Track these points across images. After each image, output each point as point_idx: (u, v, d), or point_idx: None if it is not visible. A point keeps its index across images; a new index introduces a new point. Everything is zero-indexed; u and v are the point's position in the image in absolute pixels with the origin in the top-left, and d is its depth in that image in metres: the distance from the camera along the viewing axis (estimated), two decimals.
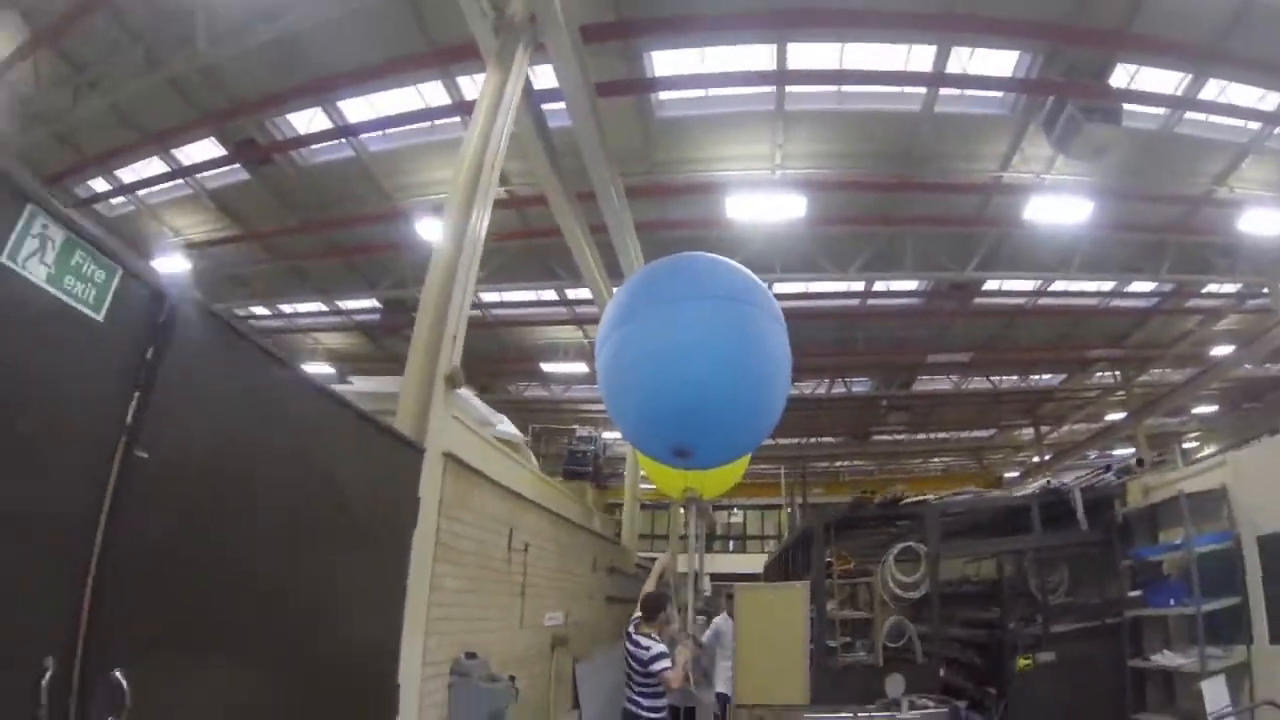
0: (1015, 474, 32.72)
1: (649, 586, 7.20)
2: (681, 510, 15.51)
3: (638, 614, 6.84)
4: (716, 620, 10.84)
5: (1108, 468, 9.43)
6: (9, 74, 10.91)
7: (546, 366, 20.48)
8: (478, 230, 6.20)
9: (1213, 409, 27.25)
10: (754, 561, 25.84)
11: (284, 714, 3.38)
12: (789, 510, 33.09)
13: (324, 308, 19.03)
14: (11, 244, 2.07)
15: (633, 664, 6.66)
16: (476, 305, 16.29)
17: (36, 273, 2.15)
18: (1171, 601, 7.40)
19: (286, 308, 18.96)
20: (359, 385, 8.38)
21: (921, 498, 10.49)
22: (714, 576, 26.13)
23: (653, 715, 6.66)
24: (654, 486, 11.83)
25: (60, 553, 2.26)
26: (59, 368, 2.25)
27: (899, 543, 10.14)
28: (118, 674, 2.34)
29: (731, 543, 36.37)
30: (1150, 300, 17.95)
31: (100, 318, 2.36)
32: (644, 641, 6.60)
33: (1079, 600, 9.21)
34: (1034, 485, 10.44)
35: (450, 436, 5.49)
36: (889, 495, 10.60)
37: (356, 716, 4.13)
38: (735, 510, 36.56)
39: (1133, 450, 25.08)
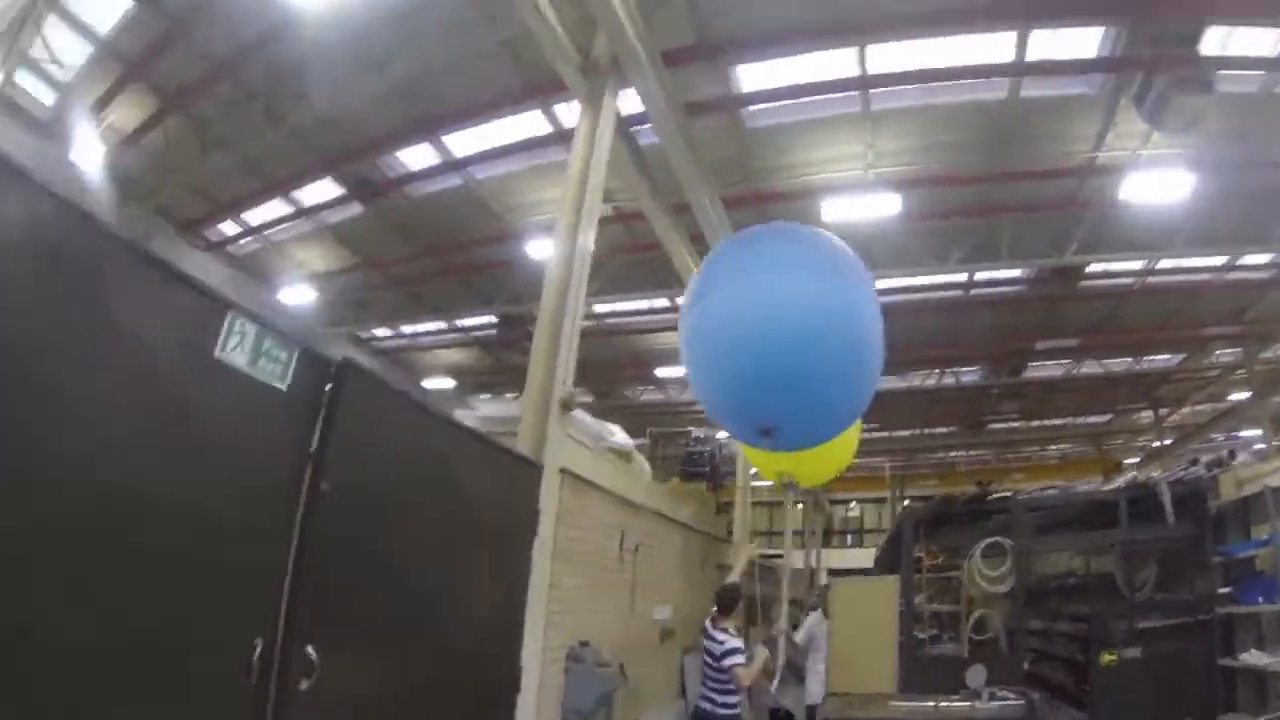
0: (1136, 459, 31.42)
1: (732, 577, 7.33)
2: (796, 504, 15.99)
3: (714, 608, 7.06)
4: (809, 619, 10.34)
5: (1195, 460, 9.56)
6: (144, 139, 12.38)
7: (660, 371, 21.21)
8: (584, 258, 6.90)
9: None
10: (869, 556, 25.53)
11: (430, 686, 4.17)
12: (893, 504, 33.20)
13: (443, 325, 20.14)
14: (220, 342, 2.83)
15: (707, 658, 6.85)
16: (591, 316, 17.13)
17: (238, 360, 2.92)
18: (1261, 599, 7.56)
19: (408, 328, 20.11)
20: (484, 410, 9.20)
21: (1007, 493, 10.77)
22: (831, 571, 26.36)
23: (725, 712, 6.78)
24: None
25: (267, 559, 3.06)
26: (261, 428, 3.06)
27: (986, 538, 10.47)
28: (309, 649, 3.13)
29: (849, 537, 36.55)
30: (1270, 271, 17.13)
31: (284, 388, 3.13)
32: (719, 635, 6.77)
33: (1168, 596, 9.32)
34: (1123, 479, 10.65)
35: (566, 453, 6.20)
36: (975, 491, 10.91)
37: (488, 692, 4.93)
38: (852, 504, 36.79)
39: (1259, 431, 24.32)
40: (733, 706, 6.80)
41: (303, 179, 13.99)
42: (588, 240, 7.03)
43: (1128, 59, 10.83)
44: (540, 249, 14.26)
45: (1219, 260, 16.46)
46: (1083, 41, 10.82)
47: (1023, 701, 7.25)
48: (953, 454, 33.72)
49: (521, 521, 5.38)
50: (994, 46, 10.73)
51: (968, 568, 10.49)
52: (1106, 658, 8.34)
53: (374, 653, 3.70)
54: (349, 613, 3.49)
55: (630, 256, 15.03)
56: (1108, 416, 29.77)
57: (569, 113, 11.52)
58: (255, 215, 15.41)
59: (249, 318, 2.95)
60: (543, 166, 13.26)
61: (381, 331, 20.24)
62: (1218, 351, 22.30)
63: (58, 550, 2.22)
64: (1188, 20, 10.19)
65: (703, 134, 10.97)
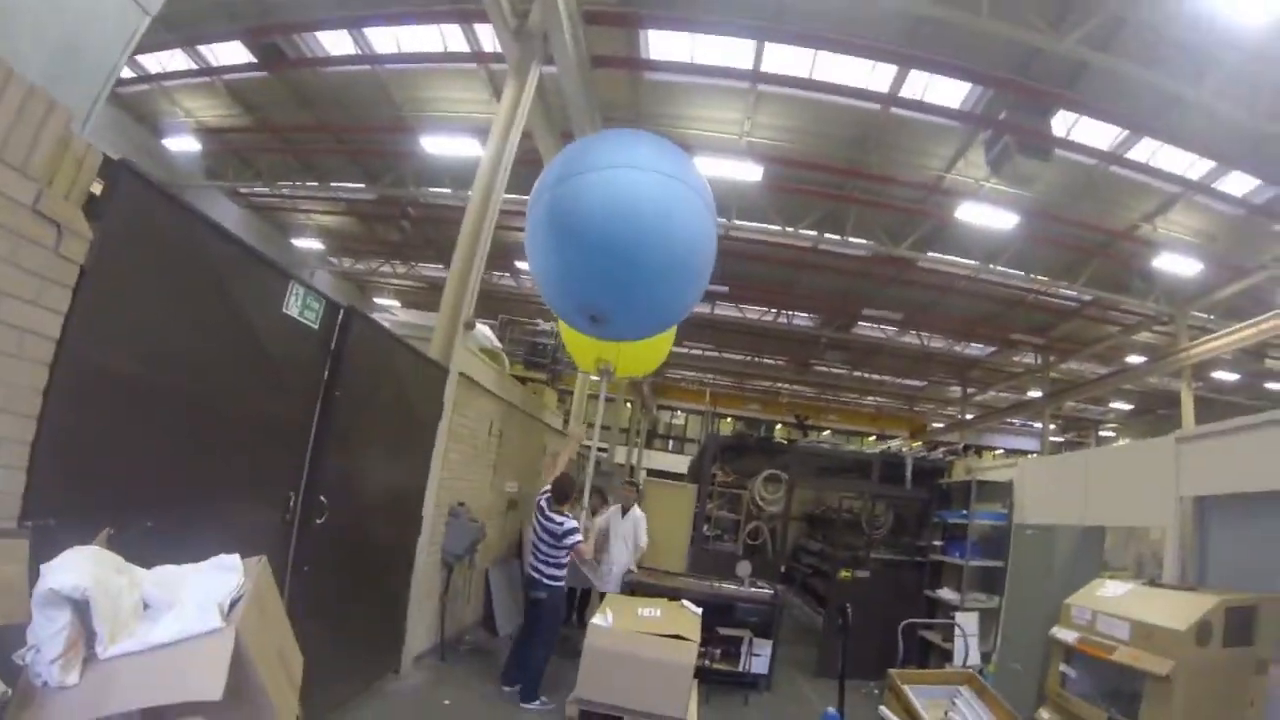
0: (941, 425, 35.96)
1: (560, 467, 8.27)
2: (626, 402, 17.63)
3: (547, 492, 8.03)
4: (609, 512, 11.11)
5: (936, 446, 12.82)
6: None
7: (519, 263, 22.62)
8: (496, 208, 8.74)
9: (1129, 407, 30.67)
10: (687, 461, 27.71)
11: (377, 522, 6.36)
12: (714, 419, 36.16)
13: (316, 185, 20.27)
14: (285, 301, 4.63)
15: (544, 536, 7.84)
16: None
17: (294, 311, 4.73)
18: (958, 555, 10.45)
19: (286, 189, 20.47)
20: (402, 317, 10.87)
21: (791, 440, 14.13)
22: (650, 470, 28.98)
23: (553, 584, 7.84)
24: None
25: (296, 440, 4.99)
26: (300, 352, 4.92)
27: (769, 469, 13.83)
28: (321, 497, 5.11)
29: (671, 442, 39.65)
30: (1072, 303, 20.59)
31: (316, 327, 4.99)
32: (558, 517, 7.81)
33: (899, 540, 12.53)
34: (880, 449, 14.07)
35: (464, 361, 8.19)
36: (766, 435, 14.55)
37: (403, 531, 7.15)
38: (678, 412, 39.80)
39: (1053, 425, 28.62)
40: (560, 581, 7.91)
41: (211, 39, 14.52)
42: (500, 193, 8.86)
43: (984, 117, 13.11)
44: (434, 144, 15.75)
45: (1032, 284, 19.33)
46: (953, 90, 12.90)
47: (773, 592, 9.84)
48: (778, 385, 36.56)
49: (431, 411, 7.47)
50: (876, 73, 12.65)
51: (751, 488, 14.10)
52: (843, 574, 10.98)
53: (353, 499, 5.72)
54: (342, 474, 5.48)
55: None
56: (923, 383, 33.41)
57: (486, 34, 12.74)
58: (153, 61, 15.47)
59: (301, 283, 4.77)
60: (449, 70, 14.52)
61: (260, 189, 20.62)
62: (1021, 356, 26.18)
63: (193, 426, 3.86)
64: (1042, 101, 12.35)
65: (601, 75, 12.45)
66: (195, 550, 2.82)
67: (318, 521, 5.03)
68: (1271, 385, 24.66)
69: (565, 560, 7.93)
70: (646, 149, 5.46)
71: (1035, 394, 27.60)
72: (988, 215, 15.36)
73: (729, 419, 37.67)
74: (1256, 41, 9.52)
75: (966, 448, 13.96)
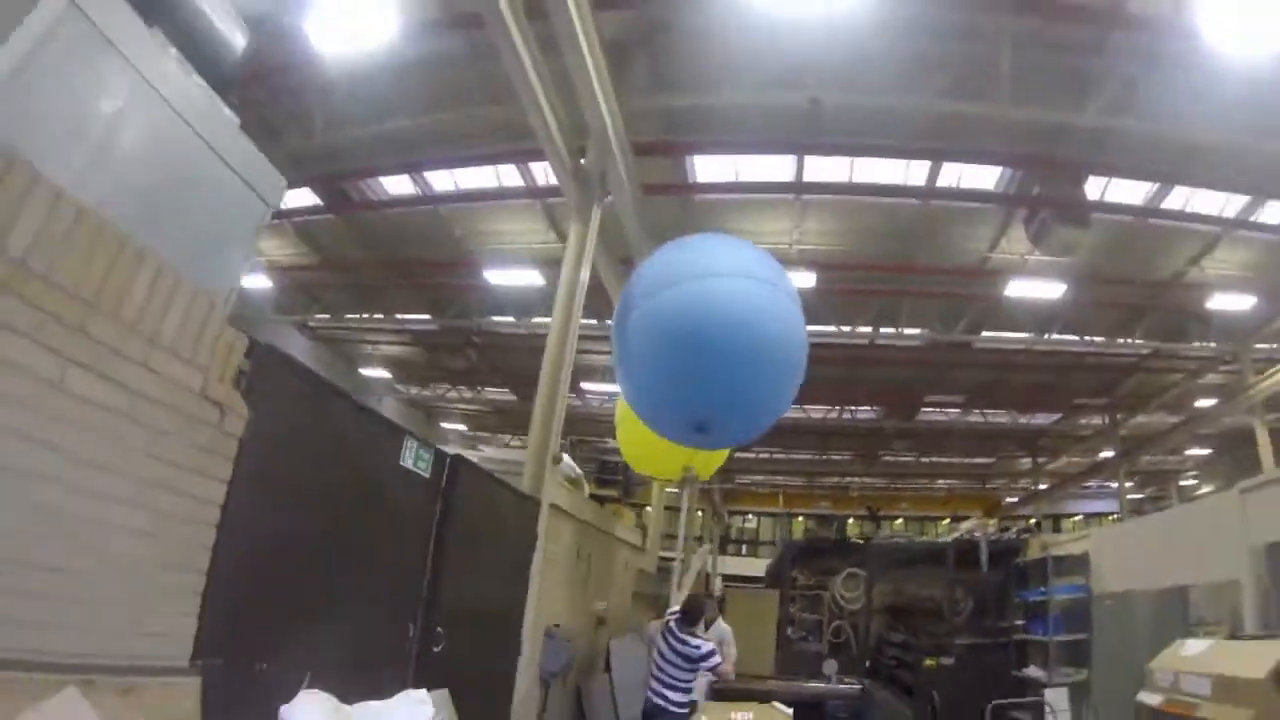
0: (1015, 499, 35.74)
1: (688, 587, 8.69)
2: (698, 510, 18.31)
3: (675, 612, 8.21)
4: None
5: (1007, 528, 13.14)
6: None
7: (585, 384, 23.60)
8: (573, 345, 9.41)
9: (1207, 451, 30.13)
10: (762, 565, 27.78)
11: (488, 646, 6.78)
12: (789, 519, 36.27)
13: (381, 317, 21.20)
14: (402, 454, 5.15)
15: (674, 659, 7.80)
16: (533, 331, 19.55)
17: (409, 463, 5.23)
18: (1040, 632, 10.68)
19: (354, 321, 21.46)
20: (491, 454, 11.61)
21: (865, 539, 14.64)
22: (725, 576, 29.14)
23: (680, 711, 7.78)
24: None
25: (414, 578, 5.46)
26: (415, 498, 5.42)
27: (847, 568, 14.27)
28: (438, 628, 5.62)
29: (744, 546, 39.58)
30: (1131, 357, 20.67)
31: (427, 475, 5.48)
32: (693, 640, 7.84)
33: (981, 623, 12.72)
34: (953, 535, 14.39)
35: (552, 492, 8.70)
36: (840, 534, 15.01)
37: (506, 653, 7.52)
38: (749, 516, 39.87)
39: (1131, 483, 28.37)
40: (686, 706, 7.85)
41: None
42: (576, 328, 9.55)
43: (1019, 197, 13.71)
44: (496, 276, 16.83)
45: (1089, 347, 19.58)
46: (986, 175, 13.57)
47: (860, 686, 10.20)
48: (847, 479, 36.76)
49: (527, 541, 7.96)
50: (911, 170, 13.35)
51: (831, 588, 14.43)
52: (928, 662, 11.44)
53: (467, 629, 6.14)
54: (456, 606, 5.92)
55: None
56: (991, 460, 33.34)
57: (539, 168, 13.72)
58: None
59: (414, 438, 5.31)
60: (507, 205, 15.51)
61: (323, 316, 21.32)
62: (1087, 418, 26.06)
63: (331, 571, 4.34)
64: (1073, 171, 12.87)
65: (653, 200, 13.15)
66: (339, 679, 3.36)
67: (435, 650, 5.56)
68: None
69: (693, 683, 7.99)
70: (748, 255, 5.78)
71: (1107, 454, 27.57)
72: (1036, 288, 15.94)
73: (800, 518, 37.74)
74: (1266, 73, 9.84)
75: (1038, 523, 14.35)
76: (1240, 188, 13.18)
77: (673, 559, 11.40)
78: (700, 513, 32.41)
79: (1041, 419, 27.27)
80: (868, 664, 13.80)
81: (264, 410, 3.69)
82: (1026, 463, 32.37)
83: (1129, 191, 13.84)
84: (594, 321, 19.32)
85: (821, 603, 15.12)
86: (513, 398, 25.67)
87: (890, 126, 12.10)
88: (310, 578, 4.18)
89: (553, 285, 16.80)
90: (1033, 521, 32.03)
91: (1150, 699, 6.40)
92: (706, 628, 10.54)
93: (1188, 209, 14.10)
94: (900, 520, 37.92)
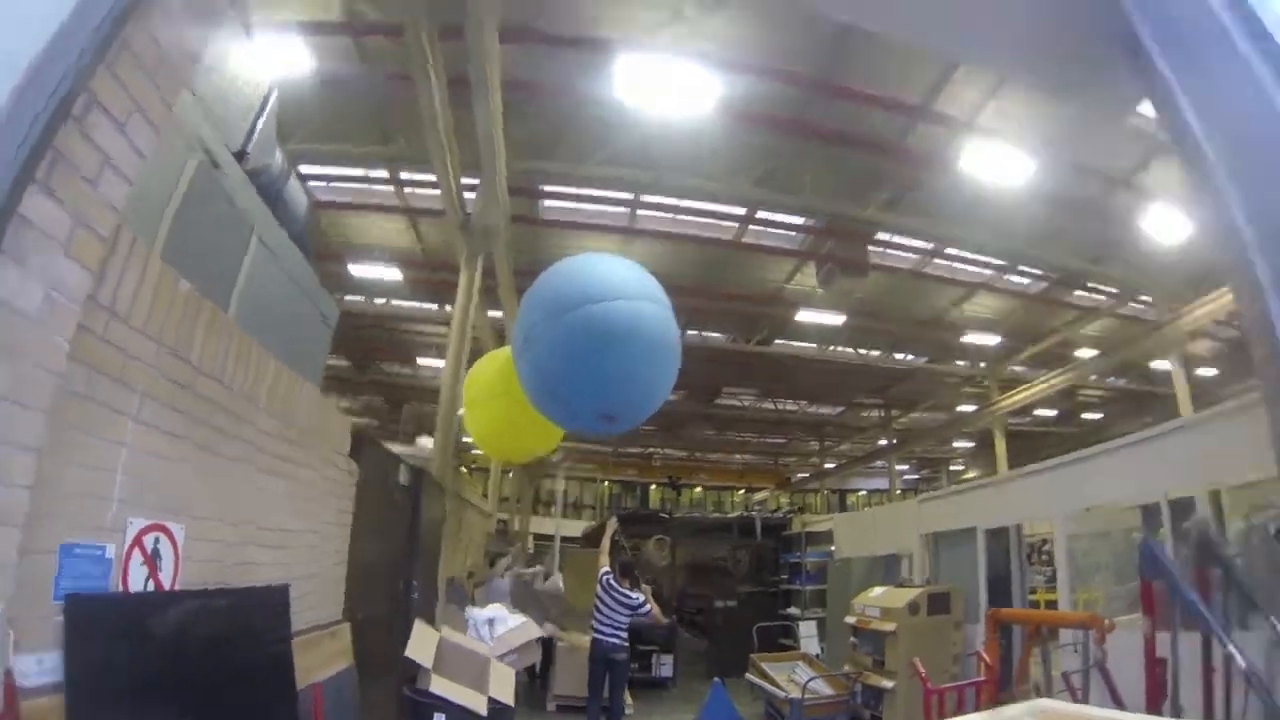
0: (806, 475, 41.47)
1: (607, 553, 11.11)
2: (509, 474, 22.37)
3: (609, 571, 10.49)
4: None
5: (780, 507, 18.04)
6: None
7: (420, 359, 26.88)
8: (464, 371, 12.49)
9: (972, 444, 36.39)
10: (575, 526, 29.97)
11: (426, 592, 9.99)
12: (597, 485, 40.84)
13: None
14: (400, 474, 8.70)
15: (617, 608, 10.12)
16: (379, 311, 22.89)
17: (403, 479, 8.69)
18: (797, 583, 15.39)
19: None
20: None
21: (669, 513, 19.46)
22: (537, 536, 32.48)
23: (626, 644, 10.26)
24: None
25: (403, 553, 8.88)
26: (406, 503, 8.89)
27: (656, 534, 18.72)
28: (414, 582, 9.20)
29: (551, 508, 43.35)
30: (904, 370, 25.74)
31: (407, 484, 8.92)
32: (632, 593, 10.25)
33: (758, 577, 17.63)
34: (738, 512, 19.34)
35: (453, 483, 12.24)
36: (644, 504, 20.17)
37: (432, 593, 10.42)
38: (558, 478, 43.66)
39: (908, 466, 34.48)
40: (627, 641, 10.31)
41: None
42: (465, 358, 12.65)
43: (810, 252, 17.80)
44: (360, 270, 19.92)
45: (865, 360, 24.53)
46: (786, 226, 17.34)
47: (668, 623, 13.90)
48: (650, 449, 40.98)
49: (441, 517, 11.41)
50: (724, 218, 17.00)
51: (645, 549, 18.36)
52: (720, 603, 16.03)
53: (420, 581, 9.67)
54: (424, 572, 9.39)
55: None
56: (782, 440, 38.50)
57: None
58: None
59: (408, 464, 8.78)
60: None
61: None
62: (864, 412, 31.54)
63: (382, 550, 7.42)
64: (858, 236, 16.97)
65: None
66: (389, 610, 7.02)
67: (414, 596, 9.00)
68: (1086, 415, 31.19)
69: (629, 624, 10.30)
70: (641, 278, 6.54)
71: (883, 442, 33.28)
72: (822, 316, 20.25)
73: (607, 483, 42.04)
74: (1015, 193, 13.87)
75: (800, 509, 19.68)
76: (995, 255, 17.79)
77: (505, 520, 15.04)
78: (510, 474, 36.22)
79: (826, 409, 32.30)
80: (674, 606, 18.11)
81: (365, 470, 6.91)
82: (814, 445, 37.74)
83: (904, 256, 18.28)
84: (433, 307, 22.73)
85: (637, 561, 19.25)
86: (346, 363, 28.45)
87: (713, 196, 15.86)
88: (376, 561, 7.45)
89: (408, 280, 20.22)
90: (820, 494, 38.12)
91: (850, 619, 10.76)
92: (545, 580, 14.69)
93: (955, 265, 18.65)
94: (699, 489, 42.86)
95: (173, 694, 3.32)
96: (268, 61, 10.50)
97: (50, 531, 2.73)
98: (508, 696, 7.08)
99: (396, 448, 11.56)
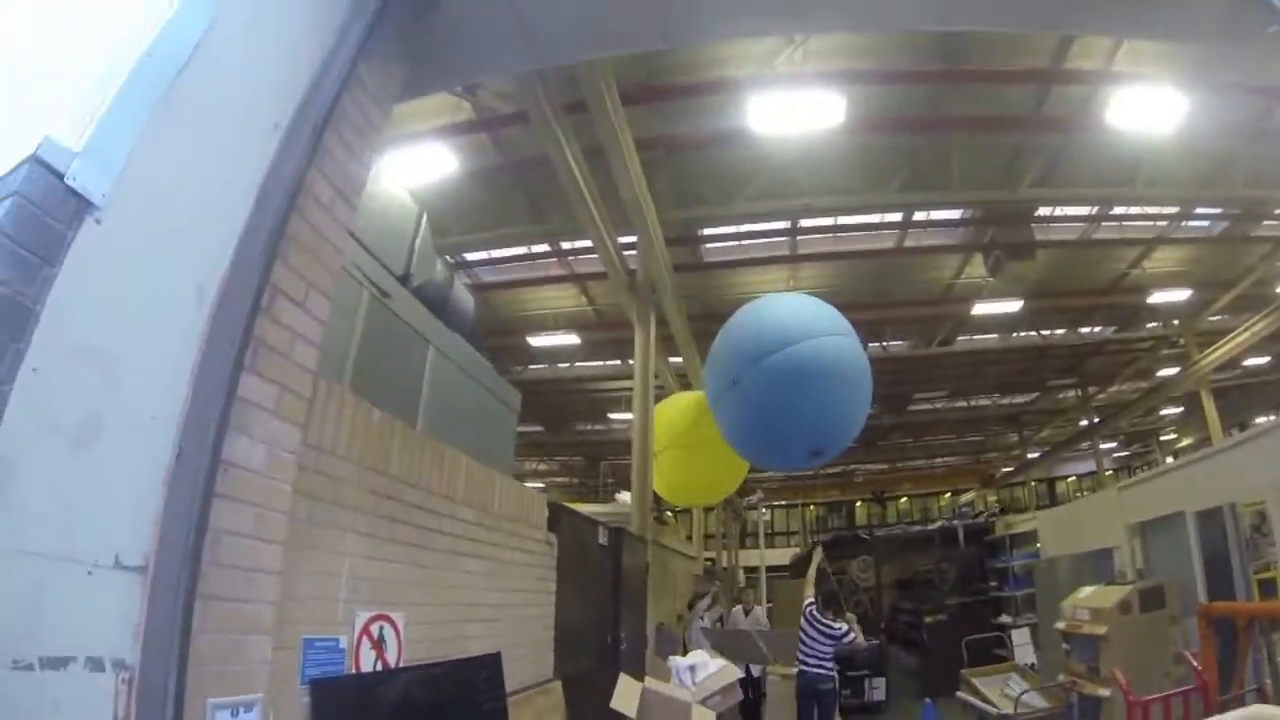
0: (1010, 468, 40.06)
1: (812, 583, 11.23)
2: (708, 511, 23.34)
3: (813, 602, 10.61)
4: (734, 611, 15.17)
5: (980, 513, 17.78)
6: None
7: (611, 414, 27.91)
8: (652, 425, 12.90)
9: (1180, 410, 34.54)
10: (781, 555, 30.89)
11: (633, 639, 10.32)
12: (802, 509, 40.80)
13: None
14: (598, 537, 9.30)
15: (820, 639, 10.32)
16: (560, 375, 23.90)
17: (602, 540, 9.26)
18: (1006, 589, 15.16)
19: None
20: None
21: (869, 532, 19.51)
22: (746, 568, 32.47)
23: (833, 673, 10.59)
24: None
25: (609, 606, 9.39)
26: (605, 557, 9.49)
27: (858, 555, 18.97)
28: (621, 634, 9.71)
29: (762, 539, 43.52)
30: (1093, 344, 24.94)
31: (606, 543, 9.48)
32: (836, 624, 10.38)
33: (965, 587, 17.41)
34: (936, 525, 19.16)
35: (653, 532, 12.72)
36: (849, 524, 20.35)
37: (639, 639, 11.18)
38: (764, 510, 43.83)
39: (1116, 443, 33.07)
40: (832, 670, 10.56)
41: None
42: (652, 414, 13.08)
43: (974, 243, 17.58)
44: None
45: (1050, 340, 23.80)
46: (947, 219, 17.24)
47: (878, 642, 14.30)
48: (851, 466, 40.56)
49: (643, 567, 11.73)
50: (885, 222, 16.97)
51: (849, 571, 19.27)
52: (929, 619, 15.84)
53: (627, 631, 9.96)
54: (630, 618, 9.89)
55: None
56: (981, 437, 37.70)
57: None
58: None
59: (605, 526, 9.31)
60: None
61: None
62: (1060, 394, 30.48)
63: (588, 611, 8.11)
64: (1019, 215, 16.50)
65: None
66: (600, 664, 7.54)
67: (621, 646, 9.39)
68: None
69: (832, 654, 10.50)
70: (829, 315, 7.31)
71: (1084, 423, 32.06)
72: (998, 306, 20.03)
73: (812, 507, 41.89)
74: (1171, 134, 12.79)
75: (1004, 509, 19.38)
76: (1167, 202, 16.88)
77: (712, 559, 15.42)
78: (713, 512, 36.75)
79: (1021, 398, 31.54)
80: (883, 626, 18.26)
81: (561, 539, 7.46)
82: (1014, 437, 36.84)
83: (1070, 227, 17.84)
84: (617, 363, 23.47)
85: (843, 584, 19.42)
86: (539, 428, 29.89)
87: (865, 208, 15.91)
88: (582, 620, 8.01)
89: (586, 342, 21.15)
90: (1027, 485, 37.44)
91: (1060, 624, 10.62)
92: (745, 615, 14.47)
93: (1124, 223, 17.95)
94: (904, 499, 42.18)
95: None
96: (416, 170, 12.10)
97: (294, 630, 3.41)
98: None
99: (595, 507, 12.18)
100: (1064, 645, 10.66)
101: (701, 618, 14.43)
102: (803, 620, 10.64)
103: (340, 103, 3.43)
